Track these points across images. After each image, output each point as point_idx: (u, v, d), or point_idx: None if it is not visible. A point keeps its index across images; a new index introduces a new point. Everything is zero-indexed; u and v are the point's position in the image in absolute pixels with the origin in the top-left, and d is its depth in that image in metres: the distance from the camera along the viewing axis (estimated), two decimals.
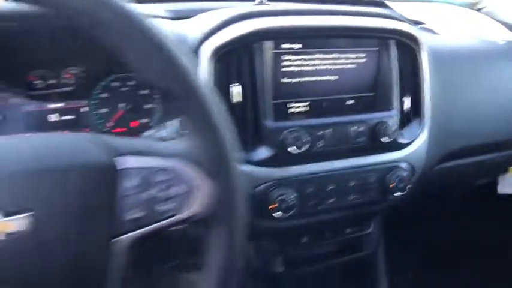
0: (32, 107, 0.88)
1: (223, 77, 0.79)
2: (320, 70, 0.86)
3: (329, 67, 0.87)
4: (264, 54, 0.80)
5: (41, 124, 0.88)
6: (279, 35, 0.81)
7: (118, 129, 0.93)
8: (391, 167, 0.91)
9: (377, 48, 0.91)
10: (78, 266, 0.45)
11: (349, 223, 1.01)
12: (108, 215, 0.46)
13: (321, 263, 1.03)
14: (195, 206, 0.49)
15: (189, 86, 0.46)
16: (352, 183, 0.88)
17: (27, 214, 0.43)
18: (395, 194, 0.90)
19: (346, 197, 0.88)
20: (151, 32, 0.44)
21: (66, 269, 0.44)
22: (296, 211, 0.81)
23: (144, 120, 0.94)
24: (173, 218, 0.48)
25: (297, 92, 0.85)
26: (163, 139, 0.62)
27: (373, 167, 0.91)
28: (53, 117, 0.89)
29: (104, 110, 0.91)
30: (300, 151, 0.79)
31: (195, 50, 0.80)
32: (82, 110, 0.90)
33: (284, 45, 0.81)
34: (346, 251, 1.05)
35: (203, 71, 0.78)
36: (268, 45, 0.80)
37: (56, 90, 0.89)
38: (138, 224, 0.47)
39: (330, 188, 0.86)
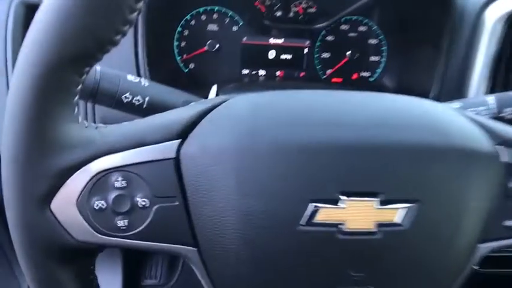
0: (252, 39, 0.79)
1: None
2: None
3: None
4: None
5: (258, 60, 0.79)
6: None
7: (335, 79, 0.83)
8: None
9: None
10: (440, 265, 0.36)
11: None
12: (484, 215, 0.36)
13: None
14: None
15: None
16: None
17: (410, 204, 0.34)
18: None
19: None
20: None
21: (429, 269, 0.36)
22: None
23: (365, 74, 0.82)
24: None
25: None
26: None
27: None
28: (272, 54, 0.80)
29: (326, 55, 0.81)
30: None
31: (478, 15, 0.67)
32: (304, 51, 0.80)
33: None
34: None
35: (488, 35, 0.65)
36: None
37: (282, 24, 0.79)
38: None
39: None
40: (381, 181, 0.33)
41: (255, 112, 0.34)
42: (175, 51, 0.77)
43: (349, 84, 0.82)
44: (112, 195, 0.33)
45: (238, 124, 0.34)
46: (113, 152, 0.33)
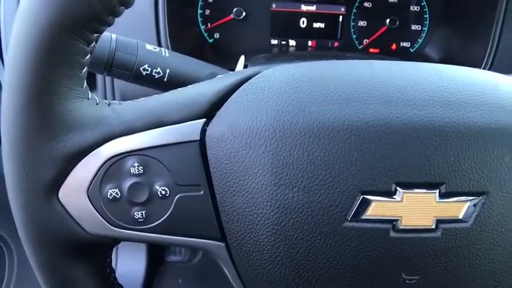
0: (282, 6, 0.73)
1: None
2: None
3: None
4: None
5: (288, 29, 0.73)
6: None
7: (373, 50, 0.76)
8: None
9: None
10: (509, 270, 0.31)
11: None
12: None
13: None
14: None
15: None
16: None
17: (476, 197, 0.28)
18: None
19: None
20: None
21: (495, 274, 0.31)
22: None
23: (405, 44, 0.75)
24: None
25: None
26: None
27: None
28: (304, 22, 0.73)
29: (363, 23, 0.74)
30: None
31: None
32: (339, 18, 0.73)
33: None
34: None
35: None
36: None
37: None
38: None
39: None
40: (443, 169, 0.28)
41: (295, 86, 0.29)
42: (199, 19, 0.72)
43: (387, 55, 0.75)
44: (127, 183, 0.28)
45: (274, 100, 0.29)
46: (128, 133, 0.28)
